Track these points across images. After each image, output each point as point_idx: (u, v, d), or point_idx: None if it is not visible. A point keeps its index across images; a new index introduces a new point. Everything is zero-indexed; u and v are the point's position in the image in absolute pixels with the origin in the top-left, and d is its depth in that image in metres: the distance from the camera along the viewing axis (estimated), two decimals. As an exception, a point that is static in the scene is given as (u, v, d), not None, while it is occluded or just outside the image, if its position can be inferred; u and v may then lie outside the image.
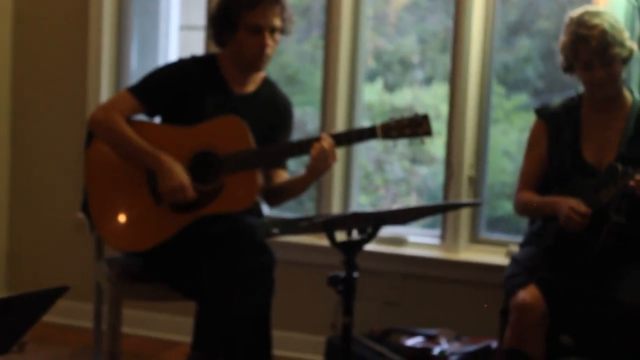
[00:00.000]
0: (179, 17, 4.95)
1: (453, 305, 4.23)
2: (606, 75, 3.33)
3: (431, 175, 4.65)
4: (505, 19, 4.45)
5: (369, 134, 3.35)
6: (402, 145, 4.63)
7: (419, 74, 4.73)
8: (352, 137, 3.41)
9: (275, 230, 2.92)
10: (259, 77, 3.57)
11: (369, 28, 4.57)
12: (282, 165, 3.57)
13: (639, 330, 3.10)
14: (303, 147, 3.36)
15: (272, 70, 4.57)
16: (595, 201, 3.24)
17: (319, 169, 3.36)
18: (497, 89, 4.47)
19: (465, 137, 4.27)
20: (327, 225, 2.89)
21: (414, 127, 3.32)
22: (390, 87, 4.72)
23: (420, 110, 3.39)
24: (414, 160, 4.73)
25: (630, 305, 3.11)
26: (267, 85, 3.60)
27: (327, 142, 3.31)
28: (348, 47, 4.44)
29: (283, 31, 3.48)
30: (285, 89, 3.74)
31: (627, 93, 3.46)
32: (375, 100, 4.71)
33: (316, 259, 4.32)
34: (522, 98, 4.52)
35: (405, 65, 4.72)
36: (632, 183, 3.16)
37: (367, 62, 4.60)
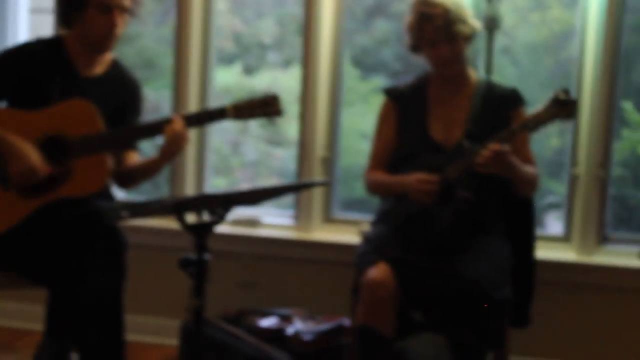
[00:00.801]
0: (28, 0, 4.83)
1: (307, 284, 4.27)
2: (450, 53, 3.40)
3: (289, 157, 4.67)
4: (362, 1, 4.48)
5: (220, 114, 3.35)
6: (257, 127, 4.64)
7: (277, 57, 4.74)
8: (203, 117, 3.40)
9: (125, 214, 2.87)
10: (107, 59, 3.52)
11: (226, 11, 4.55)
12: (132, 147, 3.53)
13: (480, 302, 3.18)
14: (153, 129, 3.33)
15: (129, 53, 4.52)
16: (443, 177, 3.31)
17: (171, 151, 3.33)
18: (354, 72, 4.51)
19: (318, 119, 4.31)
20: (177, 207, 2.87)
21: (264, 107, 3.34)
22: (248, 70, 4.71)
23: (278, 92, 3.40)
24: (270, 142, 4.74)
25: (470, 279, 3.19)
26: (116, 67, 3.55)
27: (178, 123, 3.29)
28: (200, 29, 4.41)
29: (131, 13, 3.43)
30: (142, 72, 3.69)
31: (472, 72, 3.54)
32: (233, 83, 4.69)
33: (169, 242, 4.30)
34: (379, 80, 4.57)
35: (264, 48, 4.72)
36: (478, 159, 3.23)
37: (224, 44, 4.58)
